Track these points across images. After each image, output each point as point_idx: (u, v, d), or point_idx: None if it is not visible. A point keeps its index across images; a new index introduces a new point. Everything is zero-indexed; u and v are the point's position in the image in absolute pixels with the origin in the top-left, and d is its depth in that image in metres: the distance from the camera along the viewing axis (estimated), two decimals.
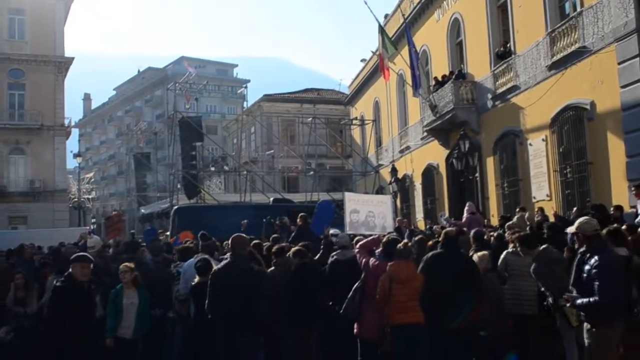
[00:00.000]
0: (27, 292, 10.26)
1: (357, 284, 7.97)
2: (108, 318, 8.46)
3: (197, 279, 8.53)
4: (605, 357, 6.50)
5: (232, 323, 7.26)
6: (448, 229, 9.54)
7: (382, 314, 7.47)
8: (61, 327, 7.24)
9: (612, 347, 6.47)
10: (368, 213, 13.21)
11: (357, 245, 8.66)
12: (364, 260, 8.11)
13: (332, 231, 12.67)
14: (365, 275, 7.96)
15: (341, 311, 8.02)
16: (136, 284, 8.63)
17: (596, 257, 6.44)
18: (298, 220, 14.39)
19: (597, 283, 6.31)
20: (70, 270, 7.50)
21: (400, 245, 7.86)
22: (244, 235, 7.89)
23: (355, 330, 7.97)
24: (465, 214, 16.14)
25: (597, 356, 6.50)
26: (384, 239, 8.36)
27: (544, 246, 8.55)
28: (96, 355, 8.99)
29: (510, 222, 11.82)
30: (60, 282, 7.57)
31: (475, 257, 8.40)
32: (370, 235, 10.70)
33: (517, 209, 16.23)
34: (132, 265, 8.80)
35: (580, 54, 17.01)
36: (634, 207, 13.10)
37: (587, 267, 6.47)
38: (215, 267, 8.00)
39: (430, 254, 8.21)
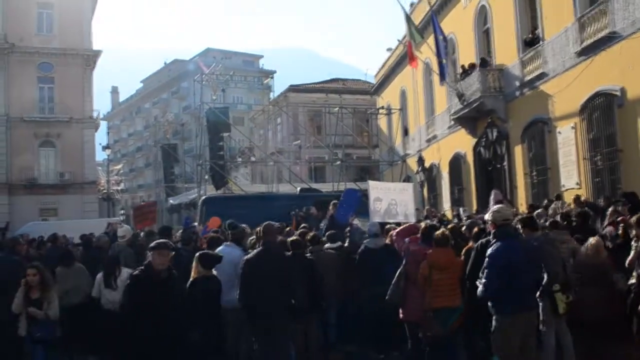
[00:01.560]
0: (44, 292, 8.62)
1: (400, 269, 8.11)
2: None
3: (200, 271, 7.96)
4: (500, 347, 6.49)
5: (267, 310, 7.29)
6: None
7: (423, 299, 7.65)
8: (136, 320, 6.78)
9: (508, 338, 6.42)
10: (390, 201, 13.25)
11: (395, 232, 8.77)
12: (403, 246, 8.25)
13: (357, 221, 12.71)
14: (406, 261, 8.10)
15: (387, 297, 8.14)
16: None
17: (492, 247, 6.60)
18: (330, 208, 14.43)
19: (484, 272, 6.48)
20: (149, 258, 7.07)
21: (438, 233, 8.00)
22: (274, 222, 7.92)
23: (400, 315, 8.14)
24: (491, 203, 15.97)
25: (494, 345, 6.52)
26: (423, 226, 8.46)
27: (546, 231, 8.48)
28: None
29: (540, 210, 11.73)
30: (138, 270, 7.18)
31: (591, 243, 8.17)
32: (394, 223, 10.77)
33: (555, 198, 16.01)
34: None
35: (610, 39, 16.77)
36: None
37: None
38: (246, 256, 7.99)
39: (482, 240, 8.17)
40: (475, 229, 9.07)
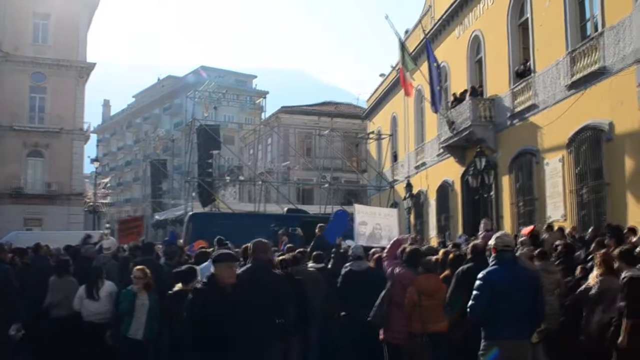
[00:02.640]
0: None
1: (384, 292, 8.11)
2: (121, 318, 8.53)
3: (178, 287, 8.15)
4: None
5: (257, 328, 7.22)
6: (476, 242, 9.55)
7: (408, 322, 7.73)
8: (198, 336, 6.26)
9: None
10: (375, 225, 13.32)
11: (385, 252, 8.77)
12: (389, 269, 8.25)
13: (347, 242, 12.71)
14: (391, 284, 8.11)
15: (369, 318, 8.14)
16: (147, 288, 8.69)
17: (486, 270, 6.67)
18: (317, 230, 14.47)
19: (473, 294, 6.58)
20: (213, 270, 6.46)
21: (427, 258, 8.06)
22: (265, 240, 7.87)
23: (381, 337, 8.16)
24: (481, 231, 16.00)
25: None
26: (407, 249, 8.46)
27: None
28: (112, 356, 9.08)
29: (523, 239, 11.75)
30: (201, 283, 6.56)
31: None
32: (379, 247, 10.79)
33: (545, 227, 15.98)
34: (147, 270, 8.83)
35: (600, 74, 16.96)
36: None
37: None
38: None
39: (462, 267, 8.20)
40: (451, 256, 9.10)
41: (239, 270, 7.56)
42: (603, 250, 8.87)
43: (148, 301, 8.61)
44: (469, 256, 8.44)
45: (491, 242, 6.97)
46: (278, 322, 7.35)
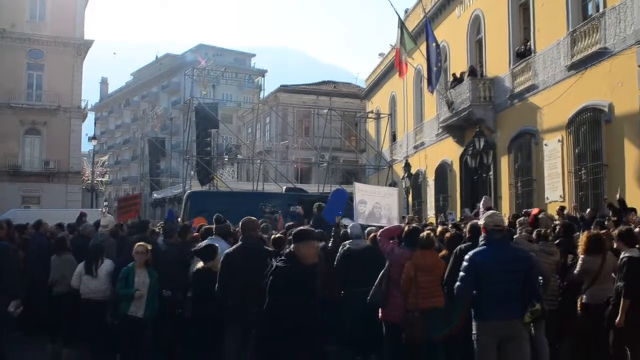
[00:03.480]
0: None
1: (383, 270, 8.11)
2: (121, 296, 8.53)
3: (200, 264, 8.29)
4: (476, 351, 6.53)
5: (247, 306, 7.24)
6: (473, 221, 9.53)
7: (406, 300, 7.75)
8: (280, 316, 5.88)
9: (483, 343, 6.44)
10: (375, 204, 13.26)
11: (379, 233, 8.75)
12: (387, 248, 8.24)
13: (344, 221, 12.70)
14: (389, 263, 8.11)
15: (368, 298, 8.14)
16: (148, 264, 8.69)
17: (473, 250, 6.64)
18: (315, 209, 14.46)
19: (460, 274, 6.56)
20: (293, 249, 6.07)
21: (424, 235, 8.04)
22: (254, 218, 7.88)
23: (380, 315, 8.18)
24: (481, 209, 15.83)
25: (474, 349, 6.58)
26: (405, 228, 8.47)
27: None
28: (109, 333, 9.09)
29: (521, 219, 11.74)
30: (281, 261, 6.08)
31: None
32: (377, 226, 10.78)
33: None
34: (148, 246, 8.83)
35: (601, 55, 16.89)
36: None
37: None
38: (226, 250, 7.97)
39: (460, 246, 8.20)
40: (448, 235, 9.10)
41: (229, 249, 7.58)
42: (589, 231, 8.91)
43: (148, 279, 8.61)
44: (467, 235, 8.43)
45: (481, 221, 6.95)
46: None
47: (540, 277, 8.09)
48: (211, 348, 8.00)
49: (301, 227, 7.09)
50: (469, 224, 8.79)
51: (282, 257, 6.15)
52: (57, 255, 10.31)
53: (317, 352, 6.19)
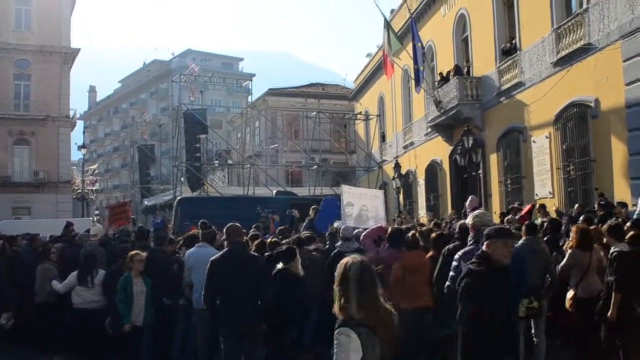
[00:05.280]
0: None
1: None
2: (120, 305, 8.53)
3: (279, 266, 8.56)
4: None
5: (235, 311, 7.25)
6: (462, 221, 9.58)
7: (394, 300, 7.68)
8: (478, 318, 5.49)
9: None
10: (362, 207, 13.35)
11: (363, 235, 8.81)
12: (372, 251, 8.30)
13: (336, 224, 12.76)
14: (374, 264, 8.13)
15: None
16: (142, 273, 8.74)
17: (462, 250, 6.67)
18: (310, 212, 14.53)
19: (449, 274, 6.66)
20: (485, 248, 5.70)
21: (409, 235, 8.09)
22: (238, 224, 7.92)
23: None
24: (467, 210, 15.82)
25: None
26: (389, 230, 8.51)
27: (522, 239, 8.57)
28: (107, 341, 9.10)
29: (509, 217, 11.83)
30: (473, 264, 5.73)
31: None
32: (365, 228, 10.84)
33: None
34: (144, 254, 8.88)
35: (586, 50, 16.98)
36: (635, 205, 13.10)
37: None
38: (212, 257, 7.98)
39: (448, 246, 8.26)
40: (433, 235, 9.14)
41: (216, 255, 7.61)
42: (580, 225, 8.97)
43: (144, 287, 8.66)
44: (456, 235, 8.48)
45: (469, 220, 6.99)
46: (258, 304, 7.40)
47: (548, 276, 8.18)
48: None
49: (498, 226, 6.58)
50: (457, 224, 8.85)
51: (475, 260, 5.72)
52: (39, 264, 10.36)
53: (517, 356, 5.97)
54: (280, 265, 8.53)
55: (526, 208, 14.40)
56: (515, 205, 16.27)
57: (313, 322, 9.98)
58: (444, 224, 14.85)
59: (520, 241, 8.16)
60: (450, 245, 8.11)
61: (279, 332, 8.23)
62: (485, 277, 5.44)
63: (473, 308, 5.36)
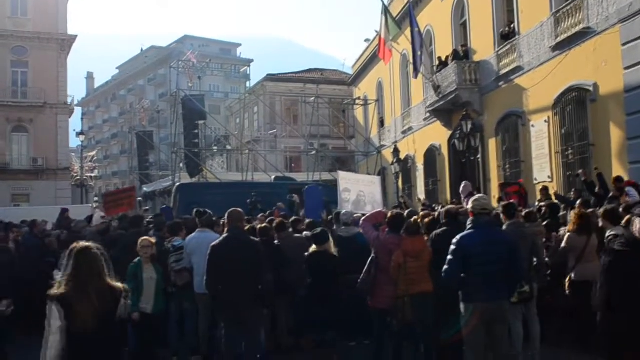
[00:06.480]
0: None
1: (370, 258, 8.16)
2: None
3: (313, 248, 9.01)
4: (465, 334, 6.62)
5: (235, 296, 7.28)
6: (449, 206, 9.60)
7: (394, 286, 7.77)
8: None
9: (472, 325, 6.53)
10: (359, 192, 13.40)
11: (362, 220, 8.83)
12: (373, 234, 8.29)
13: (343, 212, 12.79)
14: (376, 250, 8.15)
15: (357, 285, 8.20)
16: (153, 260, 8.64)
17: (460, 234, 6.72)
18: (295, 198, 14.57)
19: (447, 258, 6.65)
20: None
21: (410, 221, 8.11)
22: (240, 209, 7.92)
23: (369, 302, 8.21)
24: (462, 195, 15.65)
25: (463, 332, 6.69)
26: (389, 215, 8.51)
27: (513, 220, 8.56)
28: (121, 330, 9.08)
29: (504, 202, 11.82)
30: (619, 245, 5.54)
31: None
32: (363, 213, 10.85)
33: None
34: (153, 240, 8.81)
35: (585, 34, 16.94)
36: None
37: None
38: (213, 242, 7.97)
39: (436, 231, 8.29)
40: (427, 220, 9.15)
41: (216, 241, 7.64)
42: (579, 209, 8.98)
43: (156, 274, 8.58)
44: (442, 220, 8.52)
45: (469, 205, 7.01)
46: (259, 289, 7.44)
47: (535, 259, 8.21)
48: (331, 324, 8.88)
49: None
50: (444, 210, 8.88)
51: (621, 240, 5.50)
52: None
53: None
54: (313, 248, 9.00)
55: (512, 188, 14.41)
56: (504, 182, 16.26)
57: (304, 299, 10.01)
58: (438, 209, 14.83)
59: (504, 226, 8.19)
60: (439, 230, 8.15)
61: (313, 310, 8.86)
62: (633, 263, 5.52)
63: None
